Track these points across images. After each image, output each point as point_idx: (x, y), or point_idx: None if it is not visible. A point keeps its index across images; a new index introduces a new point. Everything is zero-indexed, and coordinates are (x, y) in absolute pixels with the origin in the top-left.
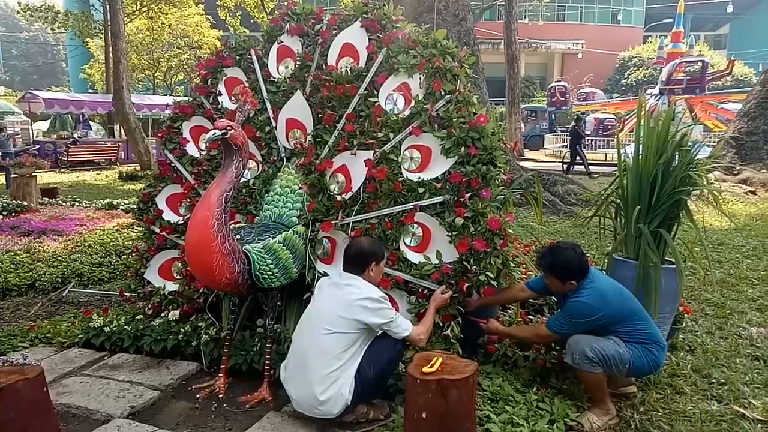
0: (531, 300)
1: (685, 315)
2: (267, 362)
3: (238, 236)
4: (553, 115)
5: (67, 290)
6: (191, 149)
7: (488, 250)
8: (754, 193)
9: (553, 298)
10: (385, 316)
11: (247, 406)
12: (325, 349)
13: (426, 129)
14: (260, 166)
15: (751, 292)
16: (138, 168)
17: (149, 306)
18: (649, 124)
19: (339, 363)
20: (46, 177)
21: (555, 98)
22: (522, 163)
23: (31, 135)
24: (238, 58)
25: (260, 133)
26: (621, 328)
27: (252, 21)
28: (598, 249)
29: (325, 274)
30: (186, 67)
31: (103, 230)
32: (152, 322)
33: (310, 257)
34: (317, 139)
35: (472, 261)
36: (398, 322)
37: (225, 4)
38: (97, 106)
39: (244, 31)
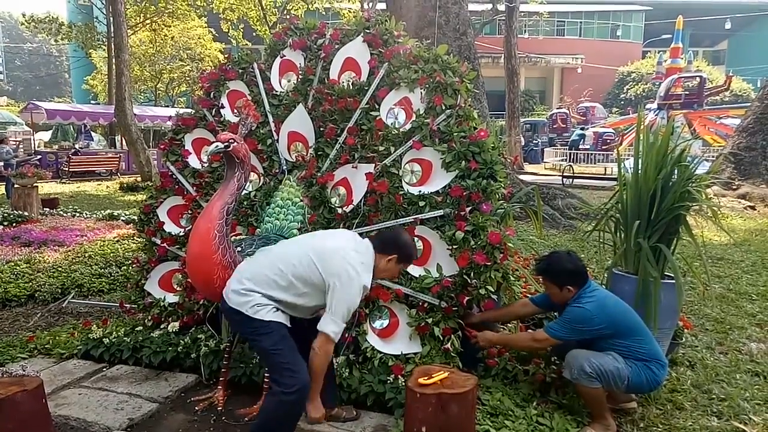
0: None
1: (685, 330)
2: (266, 375)
3: (239, 248)
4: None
5: (66, 301)
6: (193, 161)
7: (488, 263)
8: (753, 208)
9: (555, 313)
10: (340, 292)
11: (246, 419)
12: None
13: (427, 143)
14: (262, 178)
15: (750, 307)
16: (139, 179)
17: (149, 317)
18: (648, 139)
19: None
20: (47, 187)
21: (556, 125)
22: (521, 177)
23: (32, 145)
24: (240, 71)
25: (262, 146)
26: (620, 344)
27: (254, 34)
28: (598, 263)
29: None
30: (188, 79)
31: (104, 241)
32: (152, 334)
33: None
34: (319, 153)
35: (472, 274)
36: (339, 310)
37: (228, 18)
38: (99, 117)
39: (247, 45)
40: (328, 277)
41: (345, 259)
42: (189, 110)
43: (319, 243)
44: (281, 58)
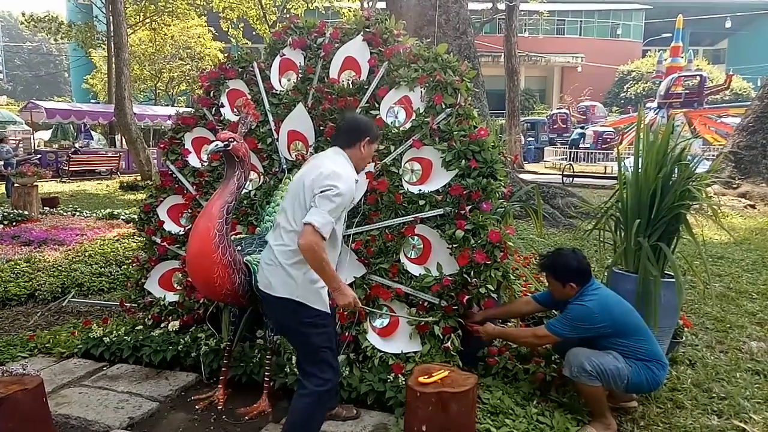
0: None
1: (685, 329)
2: (266, 374)
3: (239, 247)
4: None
5: (66, 300)
6: (193, 160)
7: (488, 262)
8: (753, 206)
9: (556, 312)
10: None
11: (246, 418)
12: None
13: (427, 142)
14: (262, 177)
15: (750, 306)
16: (139, 178)
17: (149, 316)
18: (648, 138)
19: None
20: (47, 186)
21: (557, 125)
22: (521, 175)
23: (32, 144)
24: (240, 70)
25: (262, 145)
26: (621, 343)
27: (254, 33)
28: (598, 262)
29: None
30: (188, 78)
31: (104, 240)
32: (152, 333)
33: None
34: (319, 151)
35: (472, 273)
36: (324, 213)
37: (227, 17)
38: (99, 116)
39: (246, 43)
40: (315, 188)
41: (324, 169)
42: (189, 109)
43: (302, 179)
44: (281, 57)
